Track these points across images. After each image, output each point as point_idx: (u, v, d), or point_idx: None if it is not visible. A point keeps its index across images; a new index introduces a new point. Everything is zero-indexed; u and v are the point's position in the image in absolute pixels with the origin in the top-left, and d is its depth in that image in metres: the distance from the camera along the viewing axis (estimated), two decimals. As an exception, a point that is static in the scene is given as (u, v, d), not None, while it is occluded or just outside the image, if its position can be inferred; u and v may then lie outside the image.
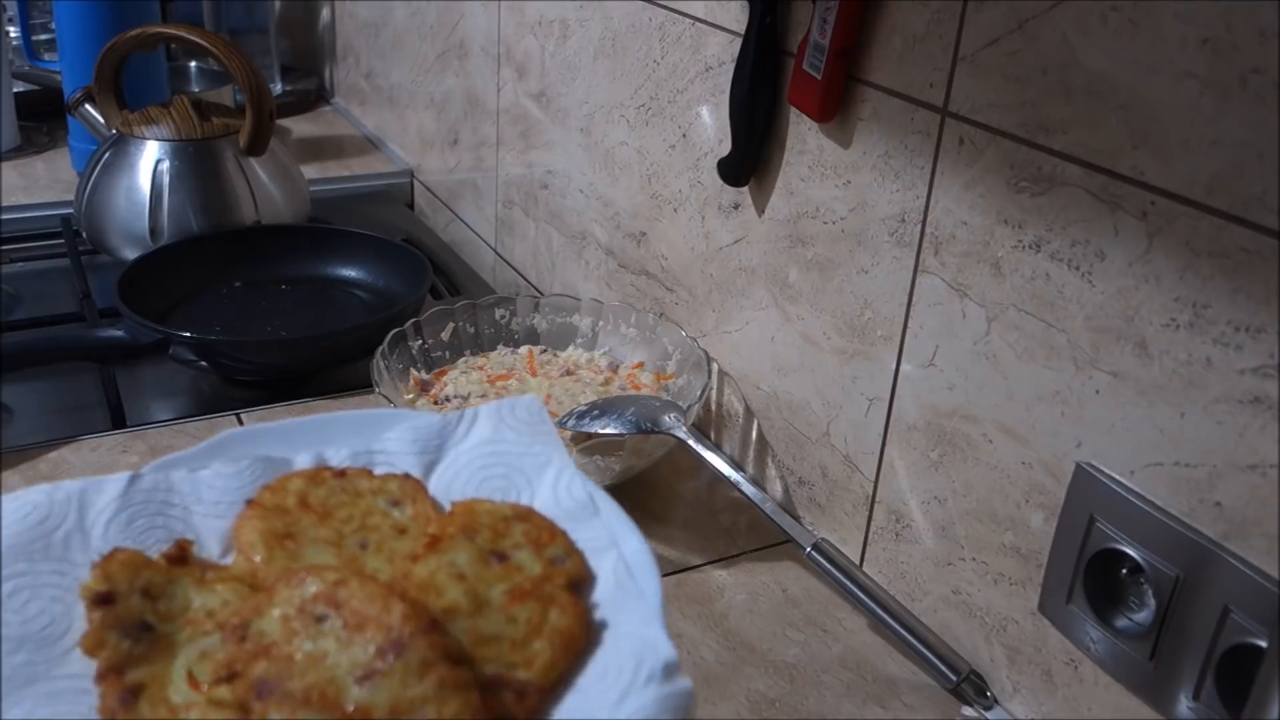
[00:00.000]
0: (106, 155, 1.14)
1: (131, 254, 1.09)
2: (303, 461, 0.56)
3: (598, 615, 0.50)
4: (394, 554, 0.52)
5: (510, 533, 0.52)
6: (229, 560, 0.52)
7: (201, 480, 0.54)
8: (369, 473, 0.56)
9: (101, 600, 0.47)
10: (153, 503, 0.52)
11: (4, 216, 1.26)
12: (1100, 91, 0.55)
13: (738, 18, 0.80)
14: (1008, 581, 0.65)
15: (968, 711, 0.67)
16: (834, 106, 0.72)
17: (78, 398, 0.97)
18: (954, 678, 0.68)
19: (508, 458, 0.57)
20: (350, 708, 0.43)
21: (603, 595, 0.51)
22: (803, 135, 0.76)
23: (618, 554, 0.52)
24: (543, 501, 0.55)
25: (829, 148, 0.74)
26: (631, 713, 0.44)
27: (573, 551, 0.52)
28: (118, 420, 0.92)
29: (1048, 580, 0.62)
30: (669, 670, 0.46)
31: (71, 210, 1.19)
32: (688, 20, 0.86)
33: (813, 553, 0.75)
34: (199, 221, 1.12)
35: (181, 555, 0.50)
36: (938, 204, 0.66)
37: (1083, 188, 0.57)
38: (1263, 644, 0.50)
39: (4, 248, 1.23)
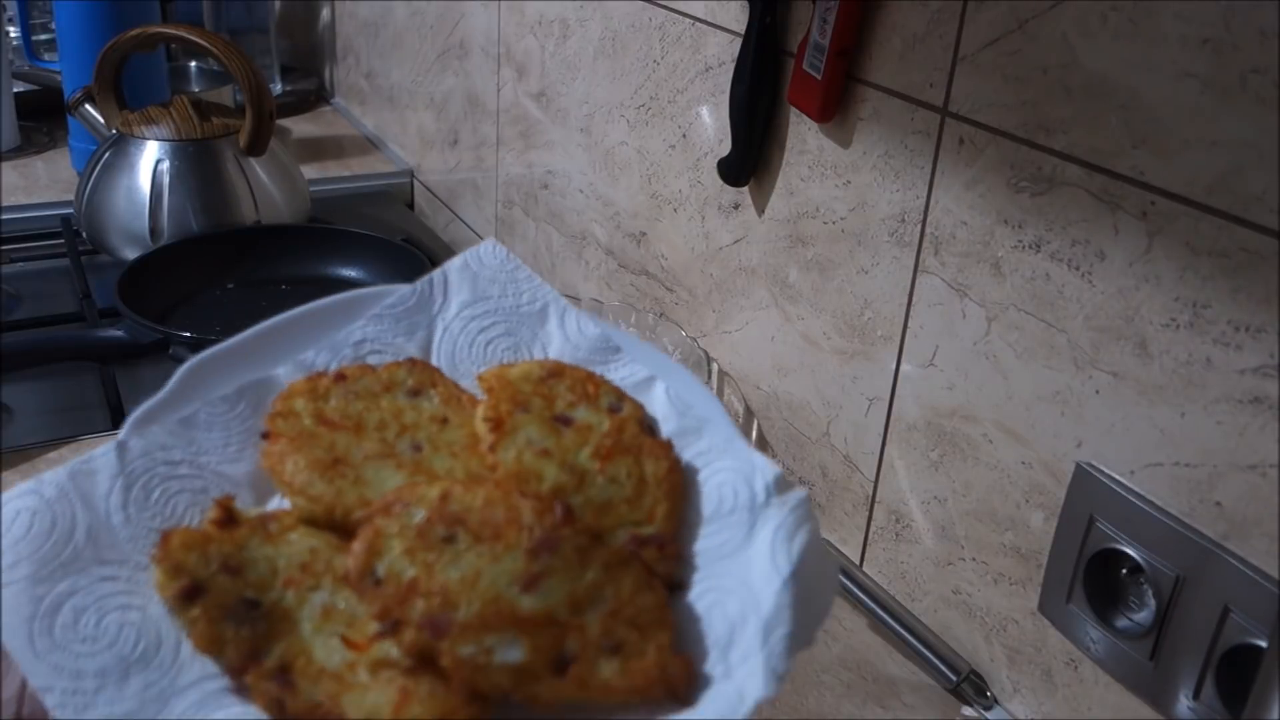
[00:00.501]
0: (106, 155, 1.14)
1: (131, 254, 1.09)
2: (286, 375, 0.52)
3: (681, 452, 0.49)
4: (454, 447, 0.49)
5: (557, 392, 0.50)
6: (275, 505, 0.49)
7: (196, 426, 0.49)
8: (369, 368, 0.52)
9: (190, 594, 0.43)
10: (156, 465, 0.47)
11: (4, 216, 1.26)
12: (1100, 91, 0.55)
13: (738, 18, 0.80)
14: (1008, 581, 0.65)
15: (968, 711, 0.67)
16: (834, 106, 0.72)
17: (78, 398, 0.97)
18: (954, 678, 0.68)
19: (501, 314, 0.54)
20: (528, 616, 0.42)
21: (671, 431, 0.50)
22: (803, 135, 0.76)
23: (663, 387, 0.51)
24: (558, 349, 0.53)
25: (829, 148, 0.74)
26: (772, 532, 0.44)
27: (622, 394, 0.51)
28: (117, 420, 0.92)
29: (1048, 580, 0.62)
30: (781, 483, 0.46)
31: (71, 210, 1.19)
32: (688, 20, 0.86)
33: (813, 553, 0.75)
34: (199, 221, 1.12)
35: (229, 515, 0.46)
36: (938, 204, 0.66)
37: (1083, 188, 0.57)
38: (1262, 644, 0.50)
39: (4, 248, 1.23)
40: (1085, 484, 0.59)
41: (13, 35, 1.59)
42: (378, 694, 0.41)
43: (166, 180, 1.11)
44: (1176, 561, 0.54)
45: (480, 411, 0.50)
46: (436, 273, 0.55)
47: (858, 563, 0.77)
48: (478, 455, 0.49)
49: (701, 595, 0.45)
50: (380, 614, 0.42)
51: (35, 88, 1.52)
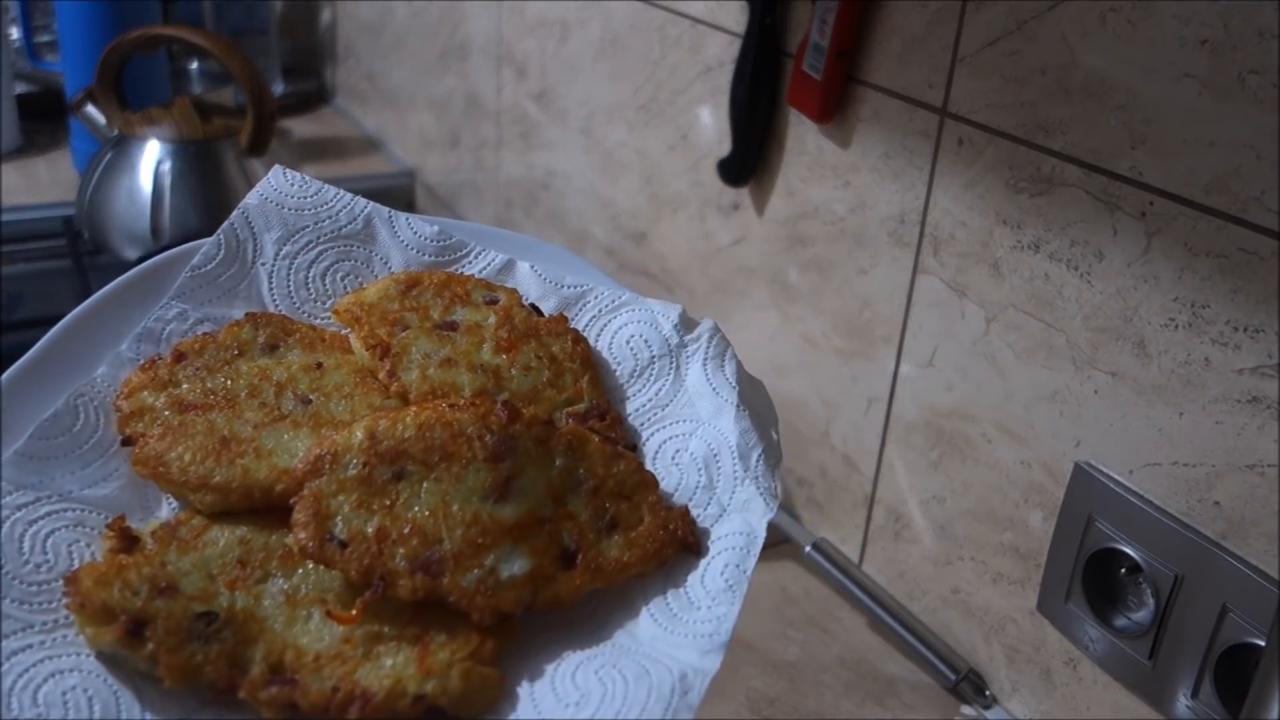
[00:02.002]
0: (108, 156, 1.14)
1: (133, 254, 1.09)
2: (108, 375, 0.46)
3: (573, 323, 0.49)
4: (343, 389, 0.46)
5: (425, 302, 0.49)
6: (165, 513, 0.44)
7: (37, 456, 0.43)
8: (209, 337, 0.47)
9: (136, 631, 0.38)
10: (12, 512, 0.41)
11: (6, 217, 1.26)
12: (1099, 92, 0.55)
13: (738, 18, 0.80)
14: (1006, 581, 0.65)
15: (967, 710, 0.67)
16: (833, 107, 0.72)
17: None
18: (953, 677, 0.68)
19: (324, 241, 0.51)
20: (515, 523, 0.40)
21: (553, 306, 0.50)
22: (802, 136, 0.76)
23: (526, 266, 0.51)
24: (401, 260, 0.51)
25: (828, 148, 0.74)
26: (701, 367, 0.45)
27: (491, 285, 0.50)
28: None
29: (1046, 580, 0.62)
30: (686, 320, 0.47)
31: (73, 211, 1.19)
32: (688, 21, 0.86)
33: (812, 552, 0.75)
34: (200, 222, 1.12)
35: (128, 537, 0.41)
36: (937, 204, 0.66)
37: (1081, 188, 0.57)
38: (1261, 643, 0.51)
39: (5, 248, 1.23)
40: (1084, 483, 0.59)
41: (14, 36, 1.59)
42: (392, 656, 0.39)
43: (168, 181, 1.11)
44: (1175, 561, 0.54)
45: (356, 343, 0.48)
46: (235, 216, 0.51)
47: (857, 562, 0.77)
48: (374, 388, 0.46)
49: (660, 448, 0.45)
50: (362, 576, 0.39)
51: (37, 88, 1.52)
